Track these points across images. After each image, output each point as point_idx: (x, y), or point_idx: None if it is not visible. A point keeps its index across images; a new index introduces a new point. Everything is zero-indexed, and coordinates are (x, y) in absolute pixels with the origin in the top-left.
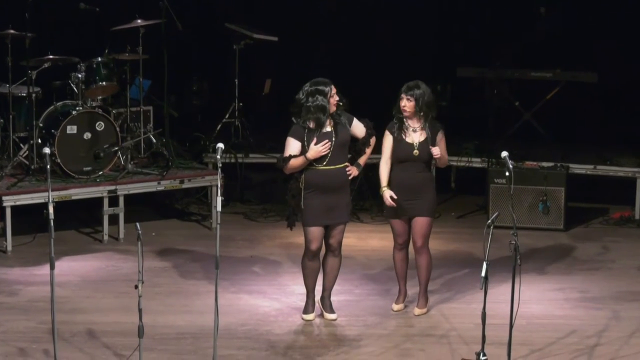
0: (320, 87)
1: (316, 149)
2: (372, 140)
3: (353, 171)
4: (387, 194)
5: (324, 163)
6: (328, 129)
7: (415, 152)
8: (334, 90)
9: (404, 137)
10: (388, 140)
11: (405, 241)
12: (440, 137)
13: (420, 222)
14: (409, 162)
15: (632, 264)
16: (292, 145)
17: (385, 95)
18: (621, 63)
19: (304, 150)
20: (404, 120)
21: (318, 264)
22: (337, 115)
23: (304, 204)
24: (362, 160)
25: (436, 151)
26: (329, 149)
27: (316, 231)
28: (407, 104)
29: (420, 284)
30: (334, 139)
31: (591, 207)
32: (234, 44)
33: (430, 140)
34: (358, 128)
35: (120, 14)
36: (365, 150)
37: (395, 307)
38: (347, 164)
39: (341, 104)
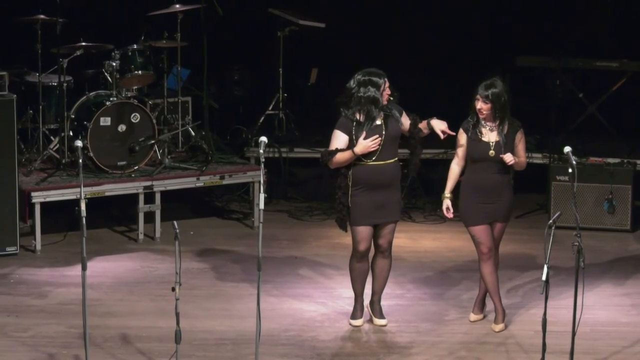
0: (374, 78)
1: (365, 144)
2: (422, 125)
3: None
4: (445, 204)
5: (374, 158)
6: (378, 122)
7: (492, 152)
8: (387, 84)
9: (479, 135)
10: (462, 138)
11: (490, 249)
12: (520, 138)
13: (498, 228)
14: (484, 163)
15: None
16: (339, 139)
17: (440, 86)
18: None
19: (351, 145)
20: (481, 118)
21: (367, 266)
22: (387, 108)
23: (352, 202)
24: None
25: (508, 158)
26: (379, 144)
27: (365, 231)
28: (483, 106)
29: (482, 288)
30: (384, 133)
31: None
32: (278, 30)
33: (508, 141)
34: (408, 121)
35: None
36: (419, 125)
37: (497, 327)
38: (397, 159)
39: (392, 98)
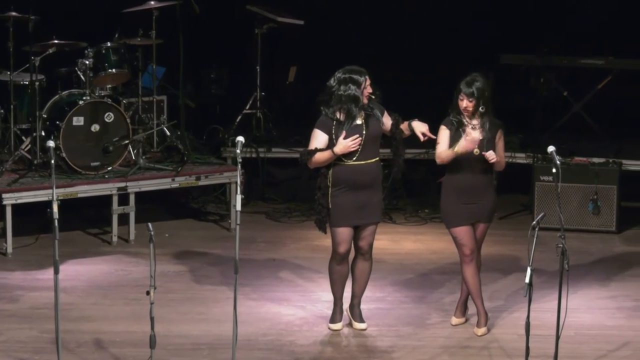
0: (355, 76)
1: (345, 144)
2: (404, 126)
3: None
4: (464, 140)
5: (354, 158)
6: (359, 121)
7: (476, 150)
8: (368, 82)
9: (462, 134)
10: (444, 134)
11: (472, 250)
12: (500, 136)
13: (480, 229)
14: (467, 162)
15: None
16: (319, 138)
17: (422, 85)
18: None
19: (331, 144)
20: (461, 116)
21: (347, 268)
22: (369, 107)
23: (332, 203)
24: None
25: (491, 156)
26: (359, 144)
27: (345, 232)
28: (468, 104)
29: (463, 291)
30: (364, 133)
31: None
32: (256, 27)
33: (490, 139)
34: (388, 123)
35: None
36: (400, 126)
37: (480, 331)
38: (378, 158)
39: (373, 97)
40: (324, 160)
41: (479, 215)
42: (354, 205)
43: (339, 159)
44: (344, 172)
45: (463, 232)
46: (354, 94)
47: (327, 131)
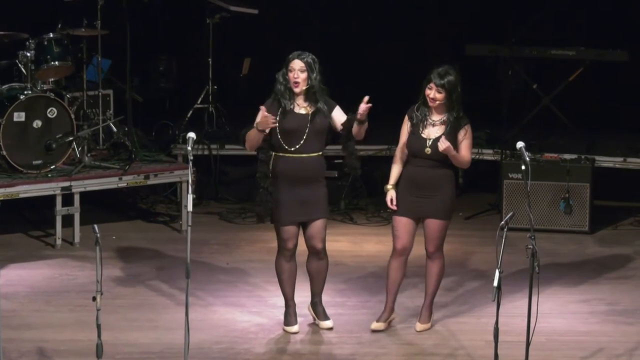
0: (287, 59)
1: (262, 114)
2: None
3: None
4: (390, 195)
5: (294, 148)
6: (303, 111)
7: (427, 149)
8: (297, 65)
9: (420, 129)
10: (406, 126)
11: (404, 247)
12: (464, 134)
13: (432, 225)
14: (423, 156)
15: None
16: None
17: (384, 77)
18: None
19: (274, 129)
20: (426, 110)
21: (295, 265)
22: (318, 101)
23: (274, 199)
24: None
25: (443, 145)
26: (274, 122)
27: (291, 229)
28: (437, 95)
29: (427, 294)
30: (308, 125)
31: (621, 205)
32: (207, 17)
33: (451, 136)
34: (340, 119)
35: None
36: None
37: (375, 325)
38: (321, 153)
39: (312, 87)
40: (253, 137)
41: (428, 211)
42: (296, 200)
43: (280, 148)
44: (284, 162)
45: (401, 222)
46: (281, 82)
47: (270, 111)
